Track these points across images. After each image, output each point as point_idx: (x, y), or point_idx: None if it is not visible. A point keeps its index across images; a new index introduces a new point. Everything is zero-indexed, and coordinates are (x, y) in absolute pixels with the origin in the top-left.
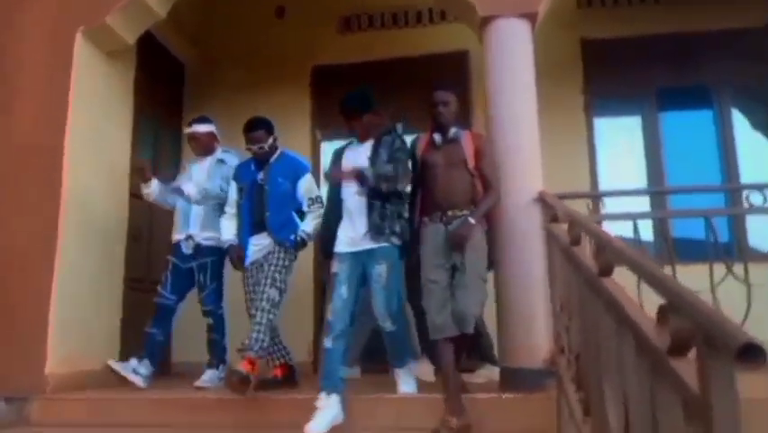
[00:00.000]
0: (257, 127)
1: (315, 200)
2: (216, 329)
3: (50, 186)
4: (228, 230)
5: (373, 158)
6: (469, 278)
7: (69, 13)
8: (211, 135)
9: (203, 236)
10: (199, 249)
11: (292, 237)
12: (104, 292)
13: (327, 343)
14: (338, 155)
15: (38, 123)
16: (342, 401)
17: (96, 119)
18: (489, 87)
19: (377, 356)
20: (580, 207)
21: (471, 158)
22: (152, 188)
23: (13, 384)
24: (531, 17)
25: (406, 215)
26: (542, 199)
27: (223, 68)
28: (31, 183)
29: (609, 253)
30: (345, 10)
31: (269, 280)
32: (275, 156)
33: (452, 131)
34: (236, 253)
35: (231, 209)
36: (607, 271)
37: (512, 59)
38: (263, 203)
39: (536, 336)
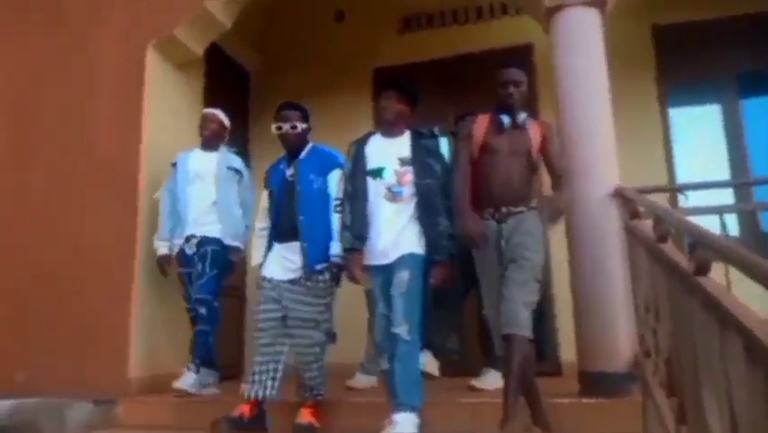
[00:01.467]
0: (292, 107)
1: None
2: (208, 320)
3: (128, 195)
4: (257, 251)
5: (417, 161)
6: (521, 275)
7: (140, 28)
8: (223, 129)
9: (204, 230)
10: (201, 241)
11: (318, 267)
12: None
13: (384, 365)
14: (359, 151)
15: (114, 134)
16: (419, 418)
17: (168, 129)
18: (559, 79)
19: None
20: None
21: (536, 148)
22: (164, 247)
23: (100, 387)
24: (600, 5)
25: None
26: (619, 194)
27: (286, 74)
28: (109, 193)
29: (707, 250)
30: (404, 11)
31: (311, 323)
32: (305, 150)
33: (523, 116)
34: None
35: (261, 223)
36: (703, 269)
37: (582, 50)
38: (294, 205)
39: (617, 338)
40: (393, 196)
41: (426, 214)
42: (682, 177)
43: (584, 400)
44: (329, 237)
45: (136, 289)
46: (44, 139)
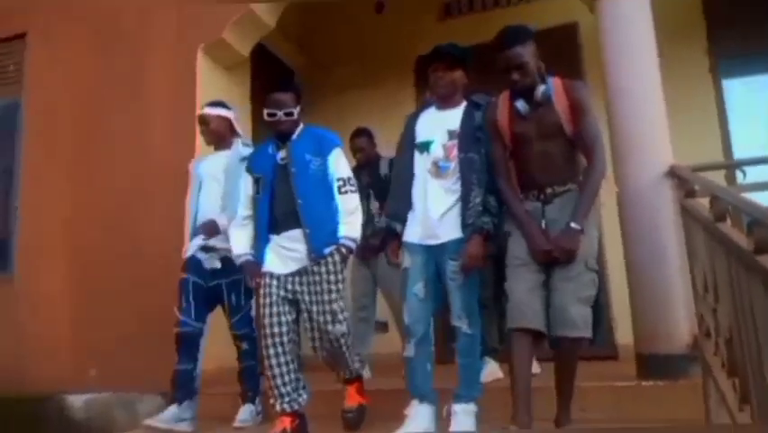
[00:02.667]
0: (285, 89)
1: (346, 182)
2: (252, 354)
3: (185, 196)
4: (241, 241)
5: (463, 134)
6: (575, 268)
7: (189, 34)
8: (224, 122)
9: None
10: (229, 262)
11: (326, 251)
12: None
13: (409, 351)
14: (410, 123)
15: (170, 140)
16: (435, 413)
17: None
18: (607, 57)
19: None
20: (716, 180)
21: (568, 120)
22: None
23: (168, 381)
24: None
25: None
26: (674, 173)
27: (329, 70)
28: (168, 194)
29: (767, 228)
30: None
31: (327, 317)
32: (297, 131)
33: (541, 90)
34: (254, 274)
35: (244, 212)
36: (764, 247)
37: (629, 25)
38: (291, 190)
39: (674, 319)
40: (438, 171)
41: (462, 190)
42: (739, 152)
43: (643, 383)
44: (334, 221)
45: None
46: (105, 146)
